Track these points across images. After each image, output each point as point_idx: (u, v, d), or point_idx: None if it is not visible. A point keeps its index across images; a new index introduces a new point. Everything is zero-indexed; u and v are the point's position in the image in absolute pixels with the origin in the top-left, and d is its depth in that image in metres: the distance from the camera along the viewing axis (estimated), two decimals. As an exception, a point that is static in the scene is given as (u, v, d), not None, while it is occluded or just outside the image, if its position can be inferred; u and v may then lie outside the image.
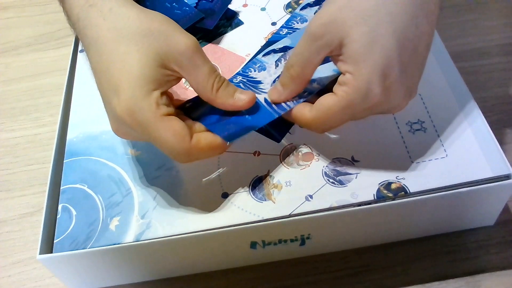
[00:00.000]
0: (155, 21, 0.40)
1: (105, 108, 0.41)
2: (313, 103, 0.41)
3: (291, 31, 0.55)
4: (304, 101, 0.43)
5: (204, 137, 0.40)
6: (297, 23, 0.56)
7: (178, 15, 0.54)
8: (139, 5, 0.42)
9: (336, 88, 0.40)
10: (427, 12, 0.39)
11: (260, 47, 0.55)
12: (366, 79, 0.38)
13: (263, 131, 0.48)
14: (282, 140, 0.48)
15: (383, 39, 0.37)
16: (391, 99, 0.39)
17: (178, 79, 0.41)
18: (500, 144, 0.44)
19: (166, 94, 0.41)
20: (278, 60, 0.49)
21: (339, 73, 0.40)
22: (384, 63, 0.37)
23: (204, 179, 0.46)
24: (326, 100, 0.40)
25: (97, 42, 0.41)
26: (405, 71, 0.39)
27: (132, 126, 0.39)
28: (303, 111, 0.42)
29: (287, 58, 0.42)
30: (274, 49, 0.50)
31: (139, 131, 0.39)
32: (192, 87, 0.42)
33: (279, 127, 0.48)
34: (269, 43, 0.54)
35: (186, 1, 0.56)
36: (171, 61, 0.39)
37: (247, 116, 0.43)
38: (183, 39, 0.40)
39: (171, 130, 0.38)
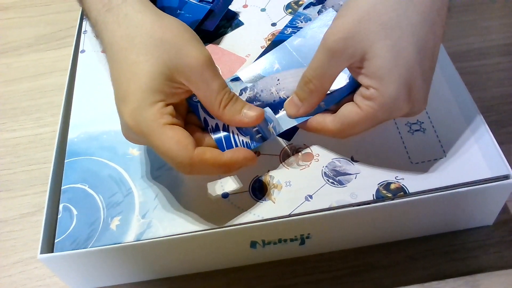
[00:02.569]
0: (169, 31, 0.40)
1: (117, 110, 0.41)
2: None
3: (295, 30, 0.55)
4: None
5: (210, 150, 0.39)
6: (301, 22, 0.56)
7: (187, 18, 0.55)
8: (157, 10, 0.42)
9: (359, 100, 0.40)
10: (443, 17, 0.39)
11: (265, 48, 0.55)
12: (393, 96, 0.38)
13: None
14: (282, 141, 0.48)
15: (406, 52, 0.37)
16: (415, 107, 0.40)
17: (188, 92, 0.41)
18: (499, 144, 0.45)
19: (177, 106, 0.41)
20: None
21: (355, 83, 0.41)
22: (408, 77, 0.38)
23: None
24: (350, 113, 0.40)
25: (112, 48, 0.41)
26: (425, 79, 0.39)
27: (137, 134, 0.39)
28: (324, 123, 0.42)
29: (307, 68, 0.42)
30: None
31: (143, 140, 0.39)
32: (200, 101, 0.41)
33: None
34: (275, 43, 0.55)
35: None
36: (180, 75, 0.39)
37: (258, 128, 0.43)
38: (195, 53, 0.39)
39: (173, 139, 0.38)
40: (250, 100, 0.47)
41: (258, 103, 0.47)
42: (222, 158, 0.39)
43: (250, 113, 0.41)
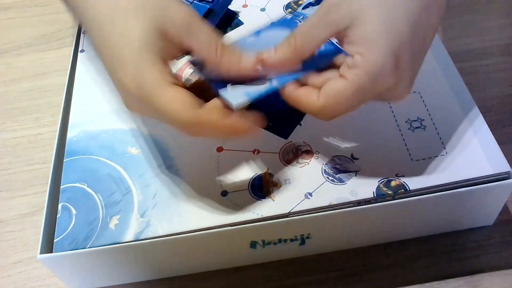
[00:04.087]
0: None
1: (114, 85, 0.40)
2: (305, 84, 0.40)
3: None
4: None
5: (217, 109, 0.38)
6: (300, 22, 0.56)
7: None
8: None
9: (344, 71, 0.38)
10: (439, 5, 0.39)
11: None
12: (380, 61, 0.37)
13: (270, 128, 0.48)
14: (282, 138, 0.48)
15: (398, 22, 0.37)
16: (399, 85, 0.38)
17: (180, 48, 0.40)
18: (499, 144, 0.45)
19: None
20: None
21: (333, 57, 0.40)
22: (398, 47, 0.37)
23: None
24: (335, 85, 0.38)
25: (95, 21, 0.40)
26: (414, 59, 0.38)
27: (140, 98, 0.38)
28: (309, 97, 0.40)
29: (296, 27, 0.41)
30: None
31: (147, 105, 0.38)
32: (197, 56, 0.40)
33: (286, 124, 0.48)
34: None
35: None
36: (170, 29, 0.38)
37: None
38: (180, 8, 0.39)
39: (178, 98, 0.37)
40: None
41: None
42: (227, 120, 0.38)
43: (250, 58, 0.40)
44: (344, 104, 0.38)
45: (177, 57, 0.43)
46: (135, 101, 0.39)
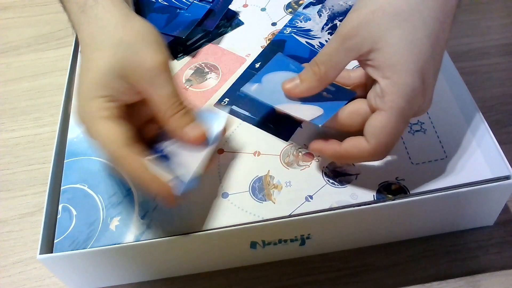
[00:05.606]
0: (132, 31, 0.40)
1: None
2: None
3: (295, 30, 0.55)
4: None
5: (137, 157, 0.38)
6: (301, 21, 0.56)
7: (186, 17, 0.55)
8: (127, 11, 0.42)
9: (378, 102, 0.39)
10: (450, 18, 0.39)
11: (264, 47, 0.55)
12: (410, 83, 0.37)
13: (271, 130, 0.48)
14: (282, 141, 0.48)
15: (419, 42, 0.37)
16: (425, 103, 0.39)
17: (139, 94, 0.40)
18: (499, 145, 0.44)
19: (126, 109, 0.41)
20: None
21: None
22: (422, 66, 0.37)
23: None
24: (377, 120, 0.39)
25: (81, 47, 0.42)
26: (434, 74, 0.39)
27: (81, 125, 0.40)
28: (359, 146, 0.40)
29: (317, 54, 0.41)
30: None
31: (85, 131, 0.40)
32: (152, 106, 0.40)
33: (287, 126, 0.48)
34: (274, 42, 0.55)
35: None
36: (133, 75, 0.39)
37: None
38: (152, 56, 0.39)
39: (104, 131, 0.38)
40: None
41: None
42: (145, 172, 0.38)
43: (194, 131, 0.40)
44: (394, 135, 0.39)
45: (177, 58, 0.43)
46: (80, 125, 0.41)
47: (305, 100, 0.43)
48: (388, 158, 0.45)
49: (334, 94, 0.44)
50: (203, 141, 0.41)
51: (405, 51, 0.37)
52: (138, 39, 0.40)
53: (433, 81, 0.39)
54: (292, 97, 0.43)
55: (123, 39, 0.39)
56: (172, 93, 0.40)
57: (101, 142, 0.38)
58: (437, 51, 0.38)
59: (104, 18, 0.40)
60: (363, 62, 0.40)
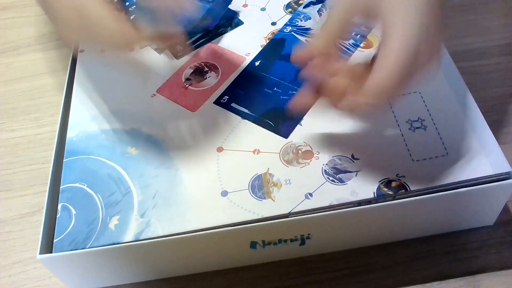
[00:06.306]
0: None
1: (52, 14, 0.42)
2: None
3: (295, 29, 0.55)
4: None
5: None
6: (301, 21, 0.57)
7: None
8: None
9: (382, 47, 0.38)
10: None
11: (264, 46, 0.55)
12: (415, 22, 0.37)
13: (270, 127, 0.48)
14: (282, 138, 0.48)
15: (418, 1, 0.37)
16: (434, 50, 0.38)
17: None
18: (499, 144, 0.44)
19: None
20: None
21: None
22: (423, 12, 0.37)
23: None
24: (386, 56, 0.37)
25: None
26: (437, 29, 0.38)
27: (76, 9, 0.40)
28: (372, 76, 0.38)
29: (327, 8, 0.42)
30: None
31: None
32: None
33: (286, 123, 0.48)
34: (274, 41, 0.55)
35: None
36: None
37: None
38: None
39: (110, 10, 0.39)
40: None
41: None
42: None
43: None
44: (402, 68, 0.37)
45: (177, 57, 0.43)
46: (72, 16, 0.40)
47: None
48: (389, 155, 0.45)
49: None
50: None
51: (404, 2, 0.37)
52: None
53: (436, 31, 0.38)
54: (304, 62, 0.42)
55: None
56: None
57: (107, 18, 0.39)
58: (435, 18, 0.38)
59: None
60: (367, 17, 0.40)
